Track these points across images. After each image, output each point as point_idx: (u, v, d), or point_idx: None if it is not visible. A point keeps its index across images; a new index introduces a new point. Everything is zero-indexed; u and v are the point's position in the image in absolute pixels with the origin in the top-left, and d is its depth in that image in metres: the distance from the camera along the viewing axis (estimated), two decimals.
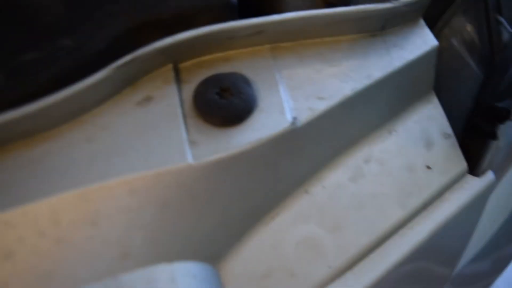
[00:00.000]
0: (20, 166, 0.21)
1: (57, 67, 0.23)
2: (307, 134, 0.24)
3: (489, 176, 0.28)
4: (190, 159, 0.21)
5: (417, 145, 0.27)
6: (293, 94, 0.24)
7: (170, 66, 0.24)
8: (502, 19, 0.33)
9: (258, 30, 0.24)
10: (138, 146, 0.22)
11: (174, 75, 0.23)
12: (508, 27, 0.32)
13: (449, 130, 0.28)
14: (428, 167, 0.27)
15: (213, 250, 0.24)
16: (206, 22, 0.24)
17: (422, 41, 0.27)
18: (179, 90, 0.23)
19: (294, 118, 0.23)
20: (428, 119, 0.28)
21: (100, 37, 0.23)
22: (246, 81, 0.23)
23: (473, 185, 0.27)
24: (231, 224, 0.24)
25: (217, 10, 0.24)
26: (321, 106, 0.24)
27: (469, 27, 0.32)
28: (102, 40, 0.23)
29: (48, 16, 0.23)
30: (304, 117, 0.23)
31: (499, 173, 0.33)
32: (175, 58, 0.24)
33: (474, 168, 0.28)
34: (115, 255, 0.22)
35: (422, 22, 0.28)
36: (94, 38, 0.23)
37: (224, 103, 0.22)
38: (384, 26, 0.27)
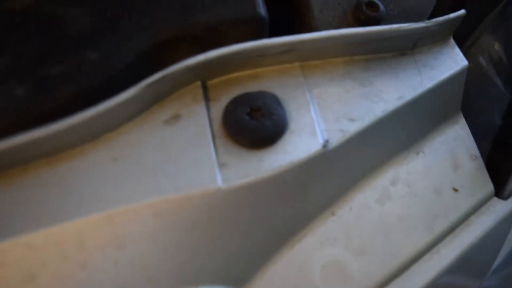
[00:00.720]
0: (43, 186, 0.21)
1: (83, 81, 0.22)
2: (337, 156, 0.23)
3: None
4: (220, 182, 0.21)
5: (444, 167, 0.27)
6: (323, 114, 0.23)
7: (198, 83, 0.23)
8: None
9: (290, 48, 0.23)
10: (165, 167, 0.21)
11: (202, 93, 0.23)
12: None
13: (476, 151, 0.28)
14: (455, 189, 0.27)
15: (238, 274, 0.23)
16: (237, 37, 0.23)
17: (453, 60, 0.26)
18: (208, 108, 0.23)
19: (326, 141, 0.22)
20: (455, 140, 0.28)
21: (128, 50, 0.22)
22: (277, 101, 0.23)
23: (500, 208, 0.27)
24: (257, 248, 0.23)
25: (249, 25, 0.23)
26: (352, 128, 0.23)
27: (497, 46, 0.32)
28: (130, 53, 0.22)
29: (74, 28, 0.22)
30: (335, 139, 0.23)
31: None
32: (204, 75, 0.23)
33: (500, 191, 0.28)
34: (140, 279, 0.21)
35: (452, 42, 0.27)
36: (121, 52, 0.22)
37: (255, 124, 0.22)
38: (415, 45, 0.26)
